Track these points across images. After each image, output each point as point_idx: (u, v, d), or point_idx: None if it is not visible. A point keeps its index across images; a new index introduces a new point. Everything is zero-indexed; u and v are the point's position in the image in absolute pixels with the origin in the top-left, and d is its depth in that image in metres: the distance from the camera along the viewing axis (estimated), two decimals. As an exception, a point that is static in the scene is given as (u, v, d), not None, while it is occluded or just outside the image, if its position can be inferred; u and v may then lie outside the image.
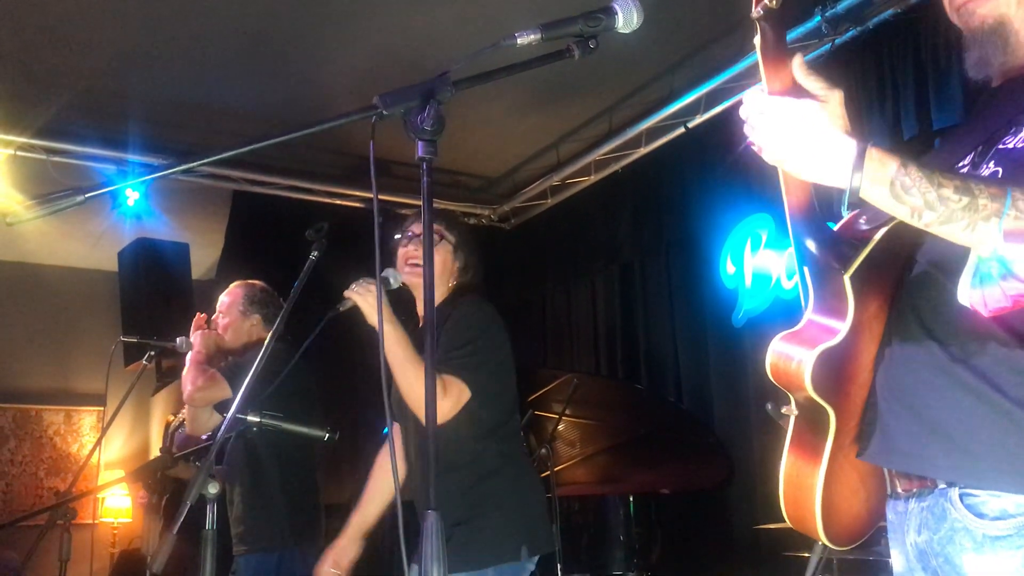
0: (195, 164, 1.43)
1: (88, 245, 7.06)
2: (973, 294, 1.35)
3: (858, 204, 1.35)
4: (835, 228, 1.56)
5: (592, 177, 6.14)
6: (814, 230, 1.48)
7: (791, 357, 1.50)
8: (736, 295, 5.12)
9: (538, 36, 1.41)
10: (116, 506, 7.50)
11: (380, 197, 6.53)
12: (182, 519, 1.87)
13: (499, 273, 7.01)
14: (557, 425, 4.47)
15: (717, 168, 5.05)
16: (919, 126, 4.06)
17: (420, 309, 2.69)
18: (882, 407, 1.52)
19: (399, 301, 2.61)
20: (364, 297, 2.42)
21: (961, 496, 1.42)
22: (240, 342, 3.71)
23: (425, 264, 1.31)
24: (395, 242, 2.74)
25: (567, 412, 4.48)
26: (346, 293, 2.46)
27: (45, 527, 3.12)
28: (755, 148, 1.40)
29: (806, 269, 1.52)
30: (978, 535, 1.39)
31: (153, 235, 6.30)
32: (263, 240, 6.01)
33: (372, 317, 2.40)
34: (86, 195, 1.25)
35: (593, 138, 5.93)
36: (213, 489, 1.93)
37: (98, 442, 3.72)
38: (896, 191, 1.31)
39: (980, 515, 1.39)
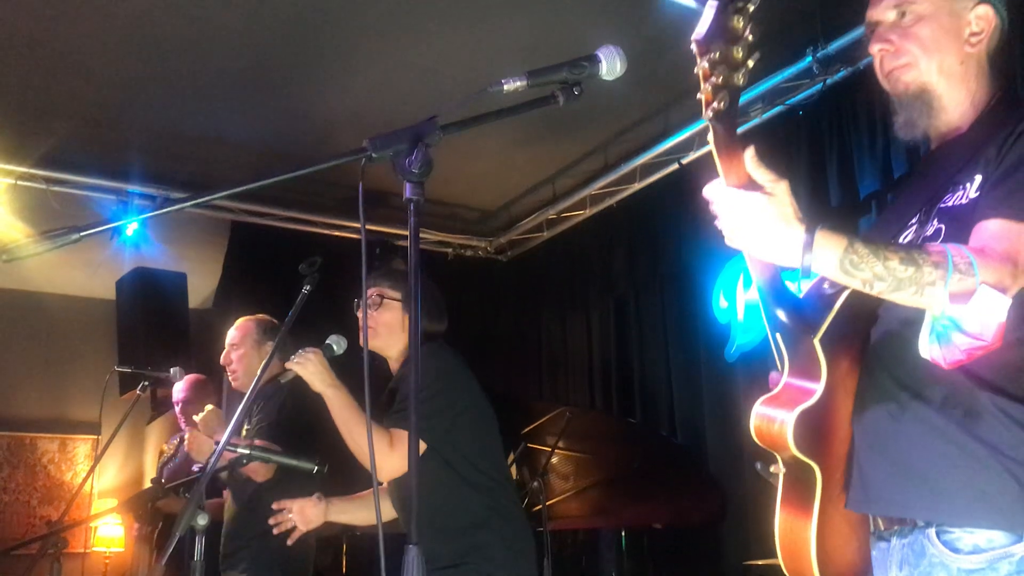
0: (190, 204, 1.47)
1: (87, 274, 7.08)
2: (932, 349, 1.45)
3: (810, 276, 1.46)
4: (801, 295, 1.67)
5: (587, 211, 6.20)
6: (782, 299, 1.58)
7: (773, 419, 1.60)
8: (729, 329, 5.15)
9: (524, 83, 1.46)
10: (109, 535, 7.46)
11: (378, 228, 6.54)
12: (171, 550, 1.89)
13: (495, 305, 7.06)
14: (550, 458, 4.48)
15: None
16: (908, 165, 4.12)
17: (391, 365, 2.74)
18: (861, 457, 1.62)
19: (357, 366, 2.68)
20: (304, 366, 2.49)
21: (938, 533, 1.52)
22: (253, 376, 3.61)
23: (413, 306, 1.34)
24: (354, 307, 2.78)
25: (560, 445, 4.49)
26: (287, 364, 2.53)
27: (36, 556, 3.11)
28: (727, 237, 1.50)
29: (778, 335, 1.62)
30: (953, 569, 1.49)
31: (151, 264, 6.33)
32: (260, 270, 6.05)
33: (314, 384, 2.49)
34: (81, 234, 1.28)
35: (588, 173, 5.99)
36: (202, 521, 1.95)
37: (91, 470, 3.73)
38: (846, 267, 1.42)
39: (956, 550, 1.49)
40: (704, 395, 5.30)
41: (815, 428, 1.59)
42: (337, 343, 2.57)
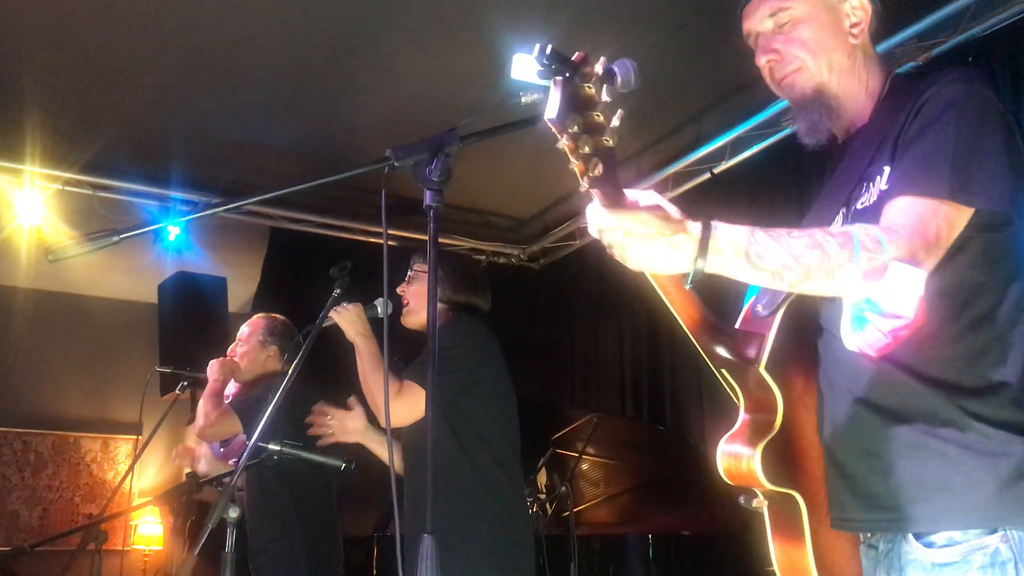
0: (227, 207, 1.54)
1: (130, 277, 7.23)
2: (856, 339, 1.41)
3: (701, 279, 1.39)
4: (738, 326, 1.63)
5: (620, 219, 6.20)
6: (717, 335, 1.56)
7: (740, 455, 1.56)
8: (760, 338, 5.14)
9: (541, 95, 1.51)
10: (148, 533, 7.59)
11: (409, 235, 6.61)
12: (202, 541, 1.96)
13: (528, 312, 7.10)
14: (578, 463, 4.52)
15: (742, 213, 5.14)
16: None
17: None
18: (833, 477, 1.58)
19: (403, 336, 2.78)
20: (341, 315, 2.66)
21: (916, 535, 1.49)
22: (254, 372, 3.76)
23: (430, 303, 1.40)
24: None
25: (589, 451, 4.53)
26: (329, 313, 2.65)
27: (77, 550, 3.18)
28: (619, 258, 1.46)
29: (724, 371, 1.59)
30: (927, 564, 1.47)
31: (193, 269, 6.47)
32: (298, 275, 6.13)
33: (348, 332, 2.67)
34: (121, 235, 1.36)
35: (620, 182, 6.00)
36: (234, 513, 2.02)
37: (130, 468, 3.83)
38: (752, 259, 1.36)
39: (930, 545, 1.47)
40: (734, 403, 5.30)
41: (785, 457, 1.55)
42: (381, 305, 2.67)
